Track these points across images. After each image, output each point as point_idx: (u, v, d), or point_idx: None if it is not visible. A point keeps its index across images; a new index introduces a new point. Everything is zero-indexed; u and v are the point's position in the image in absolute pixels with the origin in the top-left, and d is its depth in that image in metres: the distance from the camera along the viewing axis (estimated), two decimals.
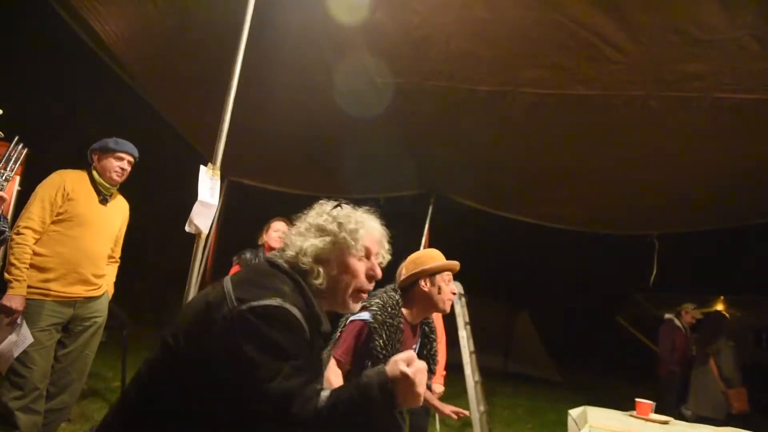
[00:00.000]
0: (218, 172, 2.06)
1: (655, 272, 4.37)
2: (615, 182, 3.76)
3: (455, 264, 2.04)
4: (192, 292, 2.09)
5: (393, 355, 1.89)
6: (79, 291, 2.54)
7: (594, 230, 4.95)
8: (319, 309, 1.17)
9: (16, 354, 2.35)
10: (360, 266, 1.22)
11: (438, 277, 2.00)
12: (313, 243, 1.19)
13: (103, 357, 3.57)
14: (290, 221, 3.40)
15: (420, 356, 1.93)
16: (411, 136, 3.62)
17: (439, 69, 2.75)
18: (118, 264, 2.89)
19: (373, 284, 1.27)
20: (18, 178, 5.23)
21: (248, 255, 3.09)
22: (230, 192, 4.85)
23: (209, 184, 2.04)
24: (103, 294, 2.70)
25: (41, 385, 2.42)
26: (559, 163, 3.65)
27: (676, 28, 2.19)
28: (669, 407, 3.90)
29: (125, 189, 2.78)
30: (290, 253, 1.20)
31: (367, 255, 1.25)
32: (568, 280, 15.67)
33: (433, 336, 2.11)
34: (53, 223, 2.49)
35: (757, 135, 2.77)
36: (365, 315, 1.87)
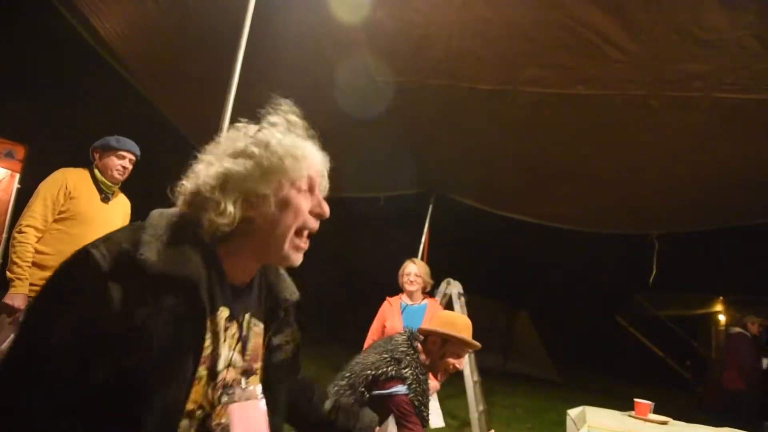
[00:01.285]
0: None
1: (654, 272, 4.37)
2: (615, 181, 3.76)
3: (474, 344, 2.06)
4: None
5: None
6: None
7: (594, 230, 4.95)
8: (217, 263, 0.83)
9: None
10: (303, 201, 0.90)
11: (450, 346, 2.01)
12: (225, 167, 0.85)
13: None
14: None
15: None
16: (411, 134, 3.62)
17: (439, 68, 2.75)
18: None
19: (318, 224, 0.95)
20: (17, 175, 5.25)
21: None
22: None
23: None
24: None
25: None
26: (559, 162, 3.65)
27: (678, 27, 2.19)
28: (747, 423, 3.36)
29: (126, 187, 2.80)
30: (187, 186, 0.86)
31: (311, 188, 0.94)
32: (568, 279, 15.67)
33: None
34: (55, 221, 2.50)
35: (758, 135, 2.77)
36: (403, 389, 1.87)
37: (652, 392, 3.71)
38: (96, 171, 2.63)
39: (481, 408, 4.16)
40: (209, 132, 2.21)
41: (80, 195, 2.56)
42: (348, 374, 1.93)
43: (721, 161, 3.14)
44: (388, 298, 3.27)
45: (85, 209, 2.55)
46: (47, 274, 2.33)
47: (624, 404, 2.90)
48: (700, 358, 11.29)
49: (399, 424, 1.83)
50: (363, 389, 1.88)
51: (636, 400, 2.67)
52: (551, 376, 10.17)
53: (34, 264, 2.42)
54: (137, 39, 3.05)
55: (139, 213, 2.97)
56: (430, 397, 1.94)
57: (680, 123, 2.80)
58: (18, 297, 2.34)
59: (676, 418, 2.69)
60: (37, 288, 2.40)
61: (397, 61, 2.78)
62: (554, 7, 2.22)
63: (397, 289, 3.28)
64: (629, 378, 11.21)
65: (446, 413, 5.42)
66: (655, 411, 2.67)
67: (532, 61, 2.59)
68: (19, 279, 2.36)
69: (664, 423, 2.55)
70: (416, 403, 1.88)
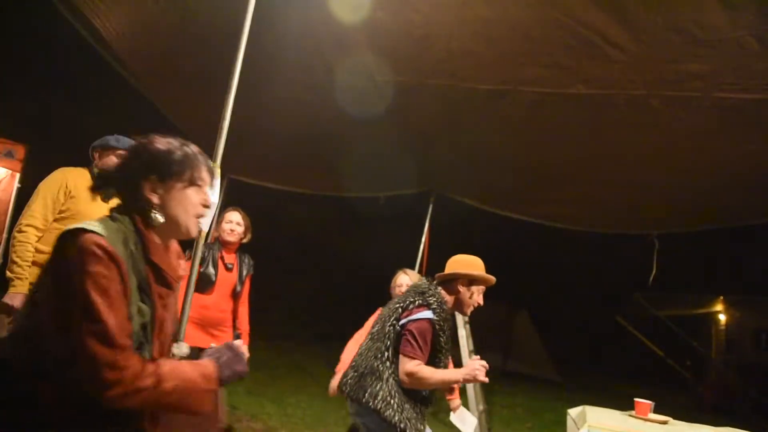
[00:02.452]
0: (219, 170, 2.06)
1: (654, 272, 4.37)
2: (615, 181, 3.76)
3: (493, 279, 2.26)
4: (192, 289, 2.10)
5: (449, 346, 2.14)
6: None
7: (594, 230, 4.95)
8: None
9: None
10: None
11: (475, 285, 2.23)
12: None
13: None
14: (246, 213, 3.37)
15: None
16: (411, 134, 3.62)
17: (440, 67, 2.75)
18: None
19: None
20: (18, 175, 5.25)
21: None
22: (230, 190, 4.86)
23: None
24: None
25: None
26: (559, 162, 3.65)
27: (678, 27, 2.19)
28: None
29: None
30: None
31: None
32: (568, 279, 15.69)
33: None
34: (55, 220, 2.48)
35: (758, 135, 2.77)
36: (429, 314, 2.09)
37: (652, 392, 3.71)
38: (96, 170, 2.60)
39: (481, 407, 4.17)
40: (210, 131, 2.22)
41: (80, 194, 2.54)
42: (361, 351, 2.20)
43: (721, 161, 3.14)
44: (380, 309, 3.24)
45: (86, 208, 2.53)
46: None
47: (624, 404, 2.90)
48: (700, 357, 11.30)
49: (406, 344, 2.04)
50: (393, 322, 2.11)
51: (636, 399, 2.67)
52: (551, 375, 10.18)
53: (35, 264, 2.41)
54: (137, 38, 3.05)
55: None
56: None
57: (680, 123, 2.80)
58: (17, 297, 2.33)
59: (676, 417, 2.69)
60: None
61: (397, 61, 2.78)
62: (554, 6, 2.22)
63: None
64: (629, 378, 11.22)
65: (446, 413, 5.43)
66: (656, 410, 2.67)
67: (532, 61, 2.59)
68: (19, 278, 2.35)
69: (665, 422, 2.55)
70: (437, 327, 2.08)
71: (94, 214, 2.53)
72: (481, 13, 2.33)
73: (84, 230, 1.05)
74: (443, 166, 4.23)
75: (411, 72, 2.85)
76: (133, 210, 1.17)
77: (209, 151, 2.14)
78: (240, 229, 3.25)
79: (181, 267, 1.26)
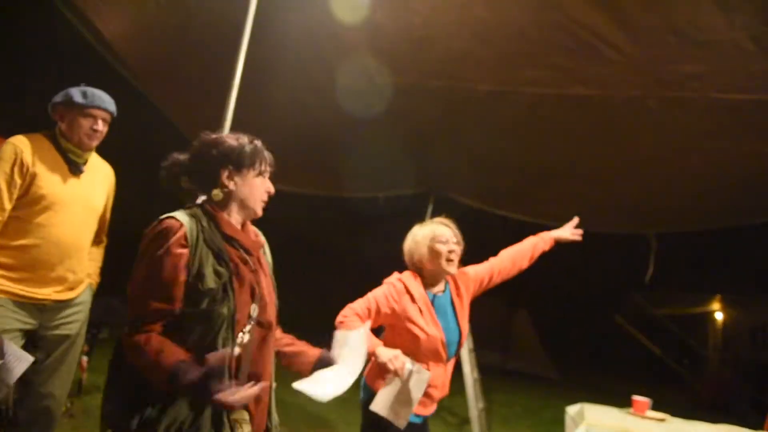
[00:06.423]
0: None
1: (651, 271, 4.39)
2: (614, 181, 3.79)
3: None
4: None
5: None
6: (49, 293, 1.96)
7: (592, 229, 4.97)
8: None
9: (9, 380, 1.80)
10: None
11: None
12: None
13: (106, 354, 3.59)
14: None
15: None
16: (411, 135, 3.64)
17: (439, 69, 2.77)
18: (104, 245, 2.28)
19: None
20: None
21: None
22: None
23: None
24: (84, 291, 2.12)
25: None
26: (558, 162, 3.67)
27: (675, 28, 2.21)
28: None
29: (126, 186, 2.65)
30: None
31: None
32: (567, 278, 15.72)
33: None
34: (13, 208, 1.88)
35: (754, 135, 2.79)
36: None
37: (649, 390, 3.74)
38: (59, 136, 2.00)
39: (480, 406, 4.19)
40: (210, 131, 2.23)
41: (42, 170, 1.92)
42: None
43: (717, 161, 3.16)
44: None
45: (52, 189, 1.93)
46: (13, 275, 1.87)
47: (622, 402, 2.92)
48: (697, 355, 11.35)
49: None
50: None
51: (634, 397, 2.69)
52: (550, 374, 10.22)
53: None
54: (138, 39, 3.06)
55: (138, 213, 2.97)
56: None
57: (677, 123, 2.82)
58: None
59: (673, 415, 2.72)
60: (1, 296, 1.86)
61: (397, 62, 2.80)
62: (553, 8, 2.24)
63: None
64: (627, 376, 11.26)
65: (446, 411, 5.45)
66: (653, 408, 2.69)
67: (530, 62, 2.61)
68: None
69: (662, 420, 2.57)
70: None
71: (64, 194, 1.99)
72: (480, 14, 2.35)
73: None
74: (443, 167, 4.24)
75: (411, 73, 2.87)
76: (206, 194, 1.38)
77: None
78: None
79: (260, 238, 1.49)
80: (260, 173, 1.42)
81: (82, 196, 2.04)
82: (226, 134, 1.44)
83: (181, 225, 1.27)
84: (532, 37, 2.42)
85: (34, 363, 1.89)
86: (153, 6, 2.68)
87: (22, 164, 1.89)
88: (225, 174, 1.36)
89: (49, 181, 1.94)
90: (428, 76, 2.86)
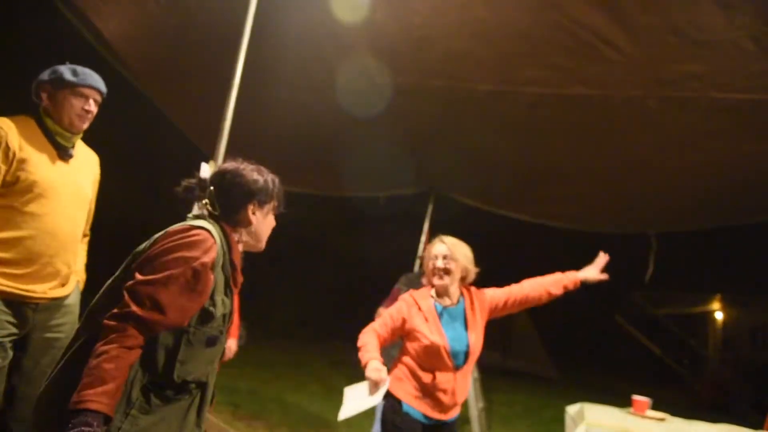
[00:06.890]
0: None
1: (651, 271, 4.40)
2: (614, 181, 3.79)
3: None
4: None
5: None
6: (45, 290, 1.80)
7: (593, 229, 4.98)
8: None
9: None
10: None
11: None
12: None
13: None
14: None
15: None
16: (411, 134, 3.64)
17: (439, 68, 2.77)
18: (87, 239, 2.10)
19: None
20: None
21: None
22: None
23: None
24: (74, 290, 1.96)
25: None
26: (558, 162, 3.67)
27: (675, 28, 2.21)
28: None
29: (129, 186, 2.65)
30: None
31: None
32: None
33: None
34: (1, 196, 1.73)
35: (753, 135, 2.79)
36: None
37: (649, 390, 3.74)
38: (45, 118, 1.83)
39: (480, 405, 4.19)
40: (211, 132, 2.23)
41: (31, 155, 1.76)
42: None
43: (717, 161, 3.16)
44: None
45: (43, 175, 1.78)
46: (5, 270, 1.70)
47: (622, 401, 2.92)
48: (697, 355, 11.35)
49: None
50: None
51: (634, 397, 2.69)
52: (550, 374, 10.22)
53: None
54: (138, 39, 3.06)
55: (139, 213, 2.97)
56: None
57: (677, 122, 2.82)
58: None
59: (673, 414, 2.72)
60: None
61: (397, 62, 2.80)
62: (553, 8, 2.24)
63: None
64: (627, 376, 11.26)
65: None
66: (653, 408, 2.69)
67: (530, 62, 2.61)
68: None
69: (662, 420, 2.57)
70: (404, 288, 2.28)
71: (54, 181, 1.83)
72: (480, 14, 2.35)
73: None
74: (443, 167, 4.25)
75: (411, 73, 2.87)
76: (226, 219, 1.43)
77: (209, 152, 2.17)
78: None
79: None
80: (273, 209, 1.52)
81: (74, 183, 1.89)
82: (247, 166, 1.49)
83: (214, 243, 1.31)
84: (532, 37, 2.42)
85: (21, 371, 1.78)
86: (153, 6, 2.68)
87: (7, 148, 1.72)
88: (251, 209, 1.45)
89: (40, 167, 1.78)
90: (428, 76, 2.86)
